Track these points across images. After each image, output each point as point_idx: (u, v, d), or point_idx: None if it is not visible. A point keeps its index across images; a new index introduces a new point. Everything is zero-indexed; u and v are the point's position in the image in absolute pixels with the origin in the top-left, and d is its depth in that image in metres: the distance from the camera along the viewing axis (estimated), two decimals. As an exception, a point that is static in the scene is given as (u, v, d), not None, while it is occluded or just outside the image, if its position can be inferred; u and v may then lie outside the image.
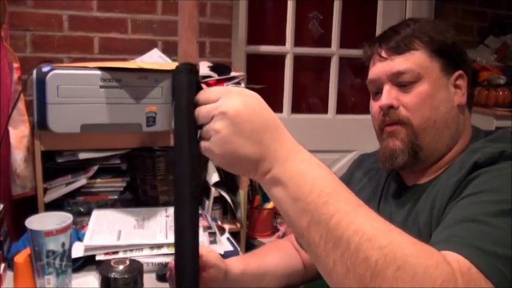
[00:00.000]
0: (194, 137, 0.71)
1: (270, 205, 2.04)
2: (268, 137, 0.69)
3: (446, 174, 0.99)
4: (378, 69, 1.05)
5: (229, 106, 0.68)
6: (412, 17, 1.05)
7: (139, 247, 1.44)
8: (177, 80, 0.72)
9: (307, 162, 0.70)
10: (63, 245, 1.21)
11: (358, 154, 1.37)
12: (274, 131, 0.70)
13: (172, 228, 1.55)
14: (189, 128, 0.70)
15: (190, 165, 0.70)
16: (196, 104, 0.71)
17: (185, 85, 0.71)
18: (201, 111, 0.70)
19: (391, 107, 1.02)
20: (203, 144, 0.70)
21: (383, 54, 1.04)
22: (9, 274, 1.31)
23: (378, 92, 1.06)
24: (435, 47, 1.02)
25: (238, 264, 1.13)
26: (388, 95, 1.02)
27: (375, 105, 1.08)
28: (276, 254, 1.24)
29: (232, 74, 1.92)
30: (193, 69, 0.72)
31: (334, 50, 2.80)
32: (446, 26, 1.06)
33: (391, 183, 1.14)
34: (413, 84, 1.00)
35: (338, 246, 0.62)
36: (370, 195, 1.17)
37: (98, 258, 1.39)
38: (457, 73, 1.04)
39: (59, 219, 1.25)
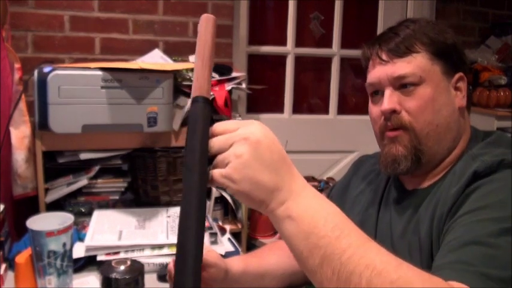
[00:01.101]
0: (205, 165, 0.70)
1: (271, 205, 2.04)
2: (284, 169, 0.71)
3: (446, 181, 0.98)
4: (379, 72, 1.03)
5: (251, 133, 0.69)
6: (410, 17, 1.03)
7: (141, 247, 1.44)
8: (195, 108, 0.72)
9: (318, 198, 0.71)
10: (64, 245, 1.21)
11: (359, 155, 1.37)
12: (288, 165, 0.72)
13: (174, 230, 1.56)
14: (202, 155, 0.70)
15: (200, 194, 0.69)
16: (211, 136, 0.71)
17: (203, 113, 0.72)
18: (218, 140, 0.71)
19: (393, 112, 1.00)
20: (218, 172, 0.70)
21: (383, 56, 1.02)
22: (10, 274, 1.31)
23: (378, 95, 1.05)
24: (436, 49, 1.00)
25: (239, 263, 1.13)
26: (390, 99, 1.00)
27: (375, 109, 1.06)
28: (277, 254, 1.24)
29: (234, 74, 1.92)
30: (209, 101, 0.74)
31: (335, 50, 2.80)
32: (444, 26, 1.05)
33: (391, 187, 1.12)
34: (416, 88, 0.99)
35: (350, 281, 0.63)
36: (369, 200, 1.16)
37: (99, 258, 1.39)
38: (457, 75, 1.03)
39: (60, 219, 1.25)
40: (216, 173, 0.70)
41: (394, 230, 1.05)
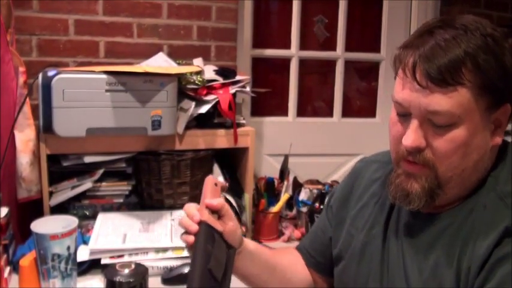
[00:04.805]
0: (204, 268, 0.91)
1: (275, 209, 2.03)
2: None
3: (470, 216, 0.88)
4: (410, 97, 0.85)
5: None
6: (462, 20, 0.89)
7: (145, 250, 1.44)
8: (200, 230, 0.97)
9: None
10: (68, 248, 1.22)
11: (364, 158, 1.35)
12: None
13: (178, 233, 1.56)
14: (202, 266, 0.91)
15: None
16: None
17: (204, 235, 0.96)
18: None
19: (417, 148, 0.86)
20: None
21: (420, 80, 0.83)
22: (15, 277, 1.32)
23: (405, 115, 0.89)
24: (486, 81, 0.82)
25: (252, 243, 1.13)
26: (415, 134, 0.85)
27: (397, 128, 0.91)
28: (289, 259, 1.24)
29: (238, 77, 1.92)
30: (210, 228, 0.98)
31: (340, 53, 2.79)
32: (503, 42, 0.86)
33: (402, 207, 1.00)
34: (449, 128, 0.84)
35: None
36: (374, 217, 1.06)
37: (103, 261, 1.39)
38: (503, 108, 0.87)
39: (65, 222, 1.25)
40: None
41: (407, 262, 0.95)
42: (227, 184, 1.10)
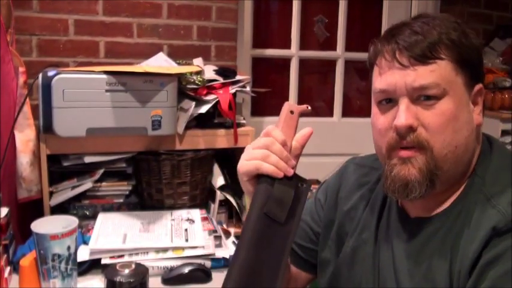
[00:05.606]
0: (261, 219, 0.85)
1: (275, 209, 2.03)
2: None
3: (458, 219, 0.88)
4: (395, 78, 0.88)
5: None
6: (424, 13, 0.91)
7: (145, 250, 1.44)
8: (260, 187, 0.87)
9: None
10: (68, 248, 1.21)
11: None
12: None
13: (178, 232, 1.56)
14: (257, 223, 0.84)
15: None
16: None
17: (262, 192, 0.86)
18: None
19: (409, 128, 0.86)
20: None
21: (403, 61, 0.87)
22: (15, 277, 1.32)
23: (389, 104, 0.91)
24: (460, 56, 0.87)
25: None
26: (407, 113, 0.86)
27: (383, 120, 0.92)
28: None
29: (238, 77, 1.92)
30: (271, 181, 0.87)
31: (340, 53, 2.80)
32: (465, 26, 0.91)
33: (391, 212, 1.01)
34: (437, 101, 0.86)
35: None
36: (364, 222, 1.05)
37: (103, 261, 1.39)
38: (477, 87, 0.91)
39: (65, 222, 1.25)
40: None
41: (398, 267, 0.94)
42: (308, 107, 0.98)
